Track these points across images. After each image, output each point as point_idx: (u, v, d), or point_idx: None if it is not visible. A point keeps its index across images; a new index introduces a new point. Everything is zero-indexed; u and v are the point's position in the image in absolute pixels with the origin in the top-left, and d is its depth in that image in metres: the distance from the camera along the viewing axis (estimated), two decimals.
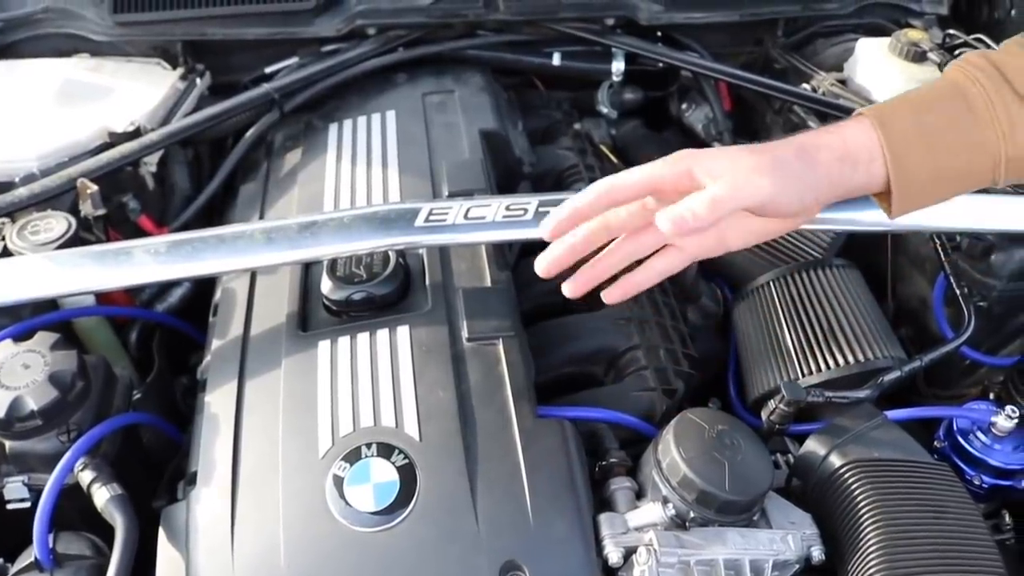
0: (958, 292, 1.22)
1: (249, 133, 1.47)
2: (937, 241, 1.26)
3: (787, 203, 0.83)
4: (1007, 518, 1.16)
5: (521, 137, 1.46)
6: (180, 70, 1.59)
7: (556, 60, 1.64)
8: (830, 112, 1.46)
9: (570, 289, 0.91)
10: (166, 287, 1.33)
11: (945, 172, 0.85)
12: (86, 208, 1.25)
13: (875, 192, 0.87)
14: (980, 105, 0.83)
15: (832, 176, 0.84)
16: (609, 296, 0.92)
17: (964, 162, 0.84)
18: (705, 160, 0.84)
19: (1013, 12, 1.69)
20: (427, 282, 1.10)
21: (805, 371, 1.16)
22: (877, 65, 1.52)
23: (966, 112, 0.84)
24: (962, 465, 1.12)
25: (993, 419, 1.10)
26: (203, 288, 1.30)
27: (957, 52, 1.54)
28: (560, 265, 0.89)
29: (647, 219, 0.87)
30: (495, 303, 1.06)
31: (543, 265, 0.88)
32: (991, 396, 1.19)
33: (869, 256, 1.42)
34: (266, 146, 1.48)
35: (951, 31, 1.61)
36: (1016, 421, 1.09)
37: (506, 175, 1.36)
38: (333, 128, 1.42)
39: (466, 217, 1.02)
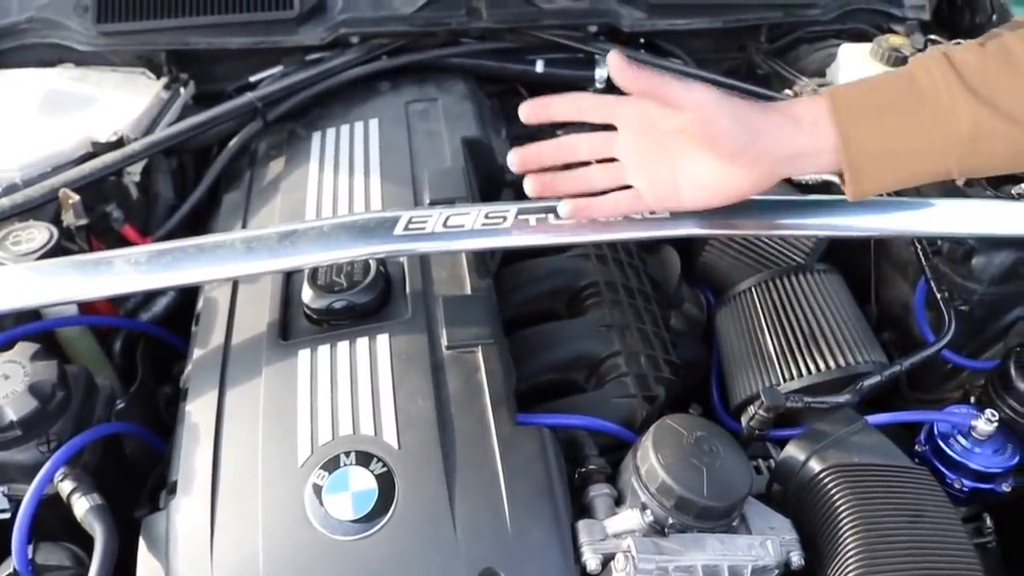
0: (938, 296, 1.22)
1: (232, 142, 1.47)
2: (918, 245, 1.27)
3: (734, 136, 0.89)
4: (988, 521, 1.17)
5: (504, 145, 1.46)
6: (164, 79, 1.59)
7: (539, 67, 1.63)
8: None
9: (528, 184, 0.99)
10: (151, 296, 1.33)
11: (896, 147, 0.89)
12: (68, 218, 1.25)
13: (830, 168, 0.91)
14: (926, 86, 0.87)
15: (776, 128, 0.89)
16: (562, 209, 0.99)
17: (914, 139, 0.88)
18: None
19: (994, 17, 1.70)
20: (407, 290, 1.10)
21: (786, 376, 1.17)
22: (859, 70, 1.53)
23: (911, 91, 0.88)
24: (943, 469, 1.13)
25: (973, 423, 1.11)
26: (188, 297, 1.29)
27: None
28: (524, 163, 0.99)
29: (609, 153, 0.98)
30: (475, 311, 1.06)
31: (514, 158, 0.99)
32: (972, 400, 1.20)
33: (853, 260, 1.42)
34: (249, 155, 1.48)
35: (932, 36, 1.62)
36: (995, 425, 1.10)
37: (489, 183, 1.36)
38: (316, 137, 1.42)
39: (445, 225, 1.02)
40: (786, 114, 0.90)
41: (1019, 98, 0.86)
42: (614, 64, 0.90)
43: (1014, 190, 1.25)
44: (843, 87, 0.91)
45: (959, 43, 1.52)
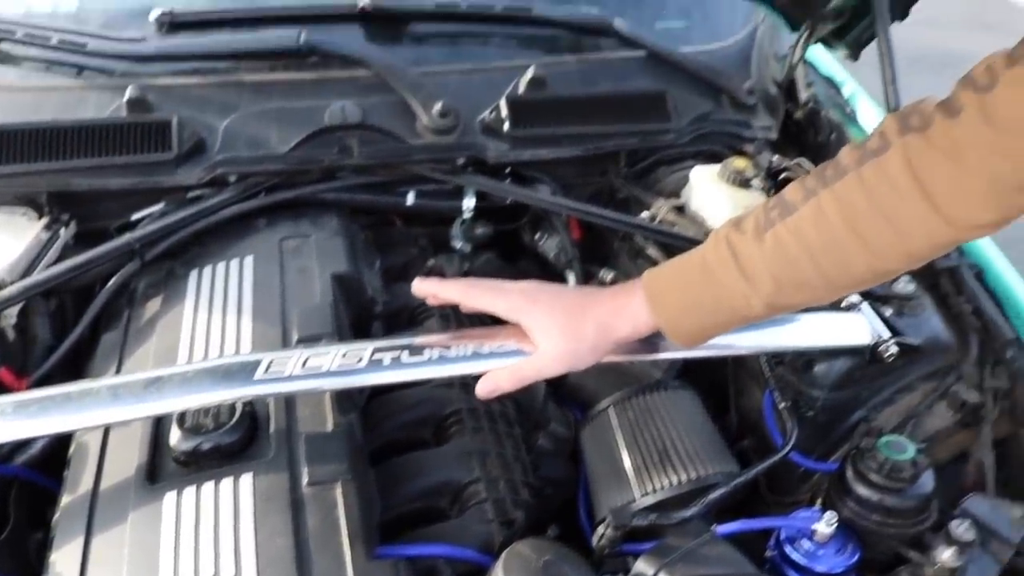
0: (780, 404, 1.31)
1: (110, 283, 1.50)
2: (763, 357, 1.36)
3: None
4: None
5: (375, 277, 1.51)
6: (45, 220, 1.61)
7: (410, 200, 1.69)
8: (667, 241, 1.56)
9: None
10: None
11: (710, 327, 1.09)
12: None
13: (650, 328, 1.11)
14: (728, 283, 1.03)
15: (613, 349, 1.12)
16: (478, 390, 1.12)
17: (724, 318, 1.08)
18: (537, 329, 1.10)
19: (832, 136, 1.85)
20: (272, 429, 1.14)
21: (640, 493, 1.22)
22: (708, 192, 1.63)
23: (719, 289, 1.04)
24: (791, 572, 1.18)
25: (814, 527, 1.17)
26: (67, 438, 1.30)
27: (781, 177, 1.68)
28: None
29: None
30: (335, 447, 1.11)
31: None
32: (818, 502, 1.27)
33: (714, 371, 1.51)
34: (128, 294, 1.50)
35: (775, 157, 1.74)
36: (834, 527, 1.16)
37: (359, 315, 1.41)
38: (193, 275, 1.46)
39: (303, 367, 1.07)
40: (627, 334, 1.10)
41: (798, 282, 1.01)
42: (419, 294, 1.16)
43: (843, 303, 1.35)
44: (664, 288, 1.08)
45: (798, 166, 1.68)
